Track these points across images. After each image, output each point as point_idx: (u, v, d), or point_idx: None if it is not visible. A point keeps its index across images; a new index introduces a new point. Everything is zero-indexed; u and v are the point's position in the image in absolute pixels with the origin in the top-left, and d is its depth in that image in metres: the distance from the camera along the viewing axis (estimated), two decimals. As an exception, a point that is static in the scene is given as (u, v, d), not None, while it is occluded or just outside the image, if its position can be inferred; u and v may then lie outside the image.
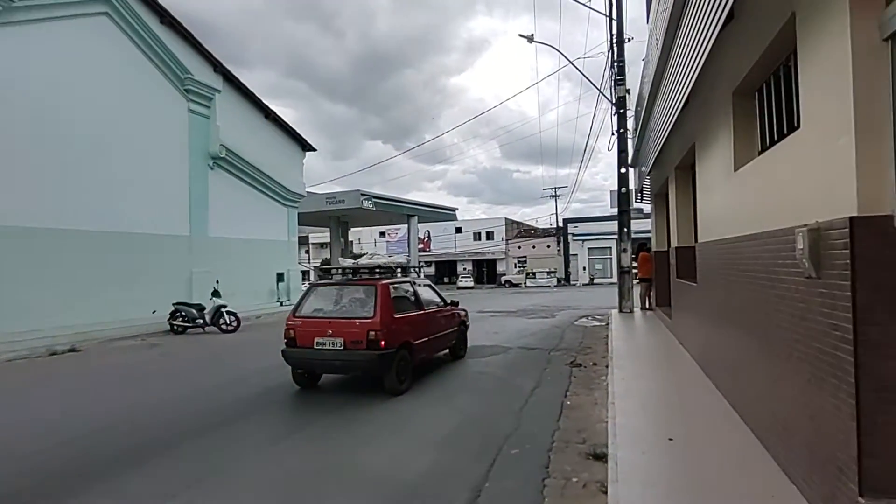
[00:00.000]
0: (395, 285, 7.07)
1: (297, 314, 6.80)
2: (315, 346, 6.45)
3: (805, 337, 2.99)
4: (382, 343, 6.27)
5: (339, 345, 6.35)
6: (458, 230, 54.50)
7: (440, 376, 7.48)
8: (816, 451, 2.85)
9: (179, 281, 15.04)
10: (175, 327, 13.15)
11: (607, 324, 12.03)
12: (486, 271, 53.44)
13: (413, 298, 7.44)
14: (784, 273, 3.30)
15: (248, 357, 9.65)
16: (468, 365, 8.19)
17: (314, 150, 21.14)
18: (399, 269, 7.86)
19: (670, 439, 4.08)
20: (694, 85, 5.23)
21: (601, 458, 4.10)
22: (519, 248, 51.80)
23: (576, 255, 45.74)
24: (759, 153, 4.21)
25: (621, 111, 13.08)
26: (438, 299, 8.23)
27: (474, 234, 53.78)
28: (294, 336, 6.64)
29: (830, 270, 2.64)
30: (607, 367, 7.34)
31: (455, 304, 8.69)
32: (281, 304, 19.09)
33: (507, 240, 51.92)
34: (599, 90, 13.65)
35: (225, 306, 13.22)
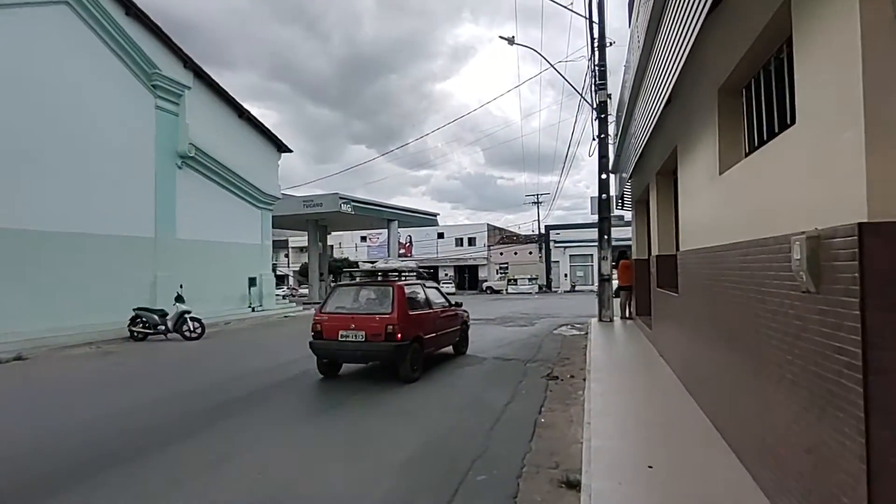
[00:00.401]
0: (409, 286, 7.97)
1: (323, 311, 7.79)
2: (339, 339, 7.36)
3: (800, 358, 2.64)
4: (399, 336, 7.18)
5: (360, 337, 7.28)
6: (441, 236, 54.13)
7: (409, 390, 7.05)
8: (814, 489, 2.50)
9: (143, 285, 14.35)
10: (135, 334, 12.47)
11: (586, 333, 11.72)
12: (467, 277, 53.11)
13: (423, 299, 8.32)
14: (776, 286, 2.96)
15: (205, 368, 9.08)
16: (440, 377, 7.77)
17: (290, 151, 20.58)
18: (411, 273, 8.88)
19: (650, 467, 3.71)
20: (676, 82, 4.92)
21: (575, 486, 3.72)
22: (501, 254, 51.61)
23: (557, 262, 45.68)
24: (747, 154, 3.89)
25: (602, 116, 12.85)
26: (444, 301, 9.09)
27: (456, 239, 53.47)
28: (321, 329, 7.56)
29: (833, 285, 2.29)
30: (585, 380, 6.99)
31: (458, 305, 9.59)
32: (253, 310, 18.44)
33: (489, 246, 51.71)
34: (580, 94, 13.44)
35: (189, 312, 12.58)
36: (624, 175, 12.34)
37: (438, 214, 34.86)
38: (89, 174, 13.07)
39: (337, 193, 25.52)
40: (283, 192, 22.62)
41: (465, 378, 7.70)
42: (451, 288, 46.30)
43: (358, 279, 8.87)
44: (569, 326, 13.82)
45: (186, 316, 12.55)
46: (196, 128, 16.15)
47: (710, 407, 4.63)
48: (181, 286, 13.25)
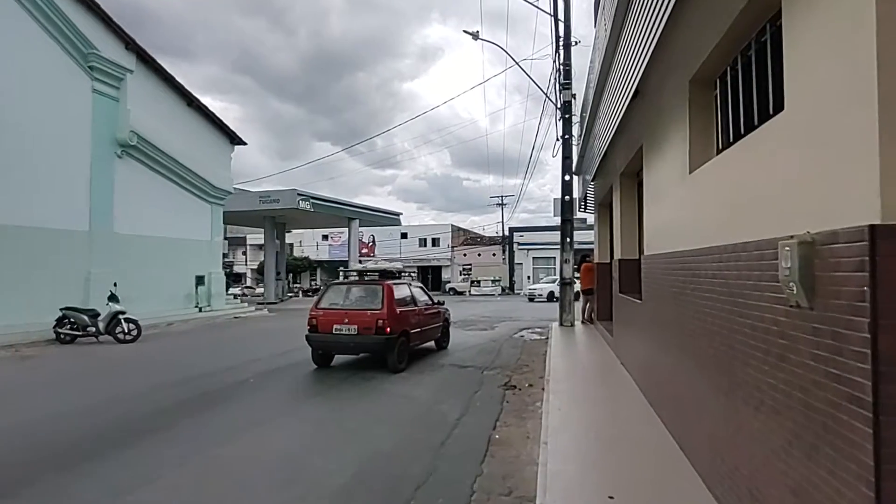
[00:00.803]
0: (397, 285, 8.68)
1: (318, 307, 8.47)
2: (333, 332, 8.09)
3: (785, 383, 2.27)
4: (388, 329, 7.89)
5: (353, 330, 7.98)
6: (404, 236, 53.47)
7: (353, 404, 6.50)
8: (801, 539, 2.12)
9: (75, 283, 13.22)
10: (62, 336, 11.41)
11: (547, 338, 11.42)
12: (430, 278, 52.56)
13: (409, 297, 9.06)
14: (756, 297, 2.59)
15: (130, 375, 8.25)
16: (391, 387, 7.24)
17: (244, 143, 19.59)
18: (398, 273, 9.74)
19: (610, 497, 3.30)
20: (644, 75, 4.58)
21: (528, 519, 3.28)
22: (465, 255, 51.38)
23: (521, 264, 45.78)
24: (720, 151, 3.55)
25: (567, 116, 12.61)
26: (428, 299, 9.85)
27: (420, 240, 52.92)
28: (316, 324, 8.24)
29: (832, 299, 1.91)
30: (543, 389, 6.61)
31: (441, 303, 10.38)
32: (200, 310, 17.40)
33: (452, 247, 51.40)
34: (545, 93, 13.18)
35: (123, 313, 11.61)
36: (587, 177, 12.13)
37: (401, 214, 34.29)
38: (13, 160, 11.90)
39: (295, 189, 24.59)
40: (238, 186, 21.62)
41: (418, 387, 7.21)
42: (413, 289, 45.67)
43: (347, 278, 9.92)
44: (530, 330, 13.52)
45: (120, 317, 11.58)
46: (139, 115, 15.05)
47: (676, 427, 4.29)
48: (115, 284, 12.21)
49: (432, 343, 10.16)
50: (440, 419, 5.67)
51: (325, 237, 55.42)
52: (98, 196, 13.96)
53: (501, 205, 48.75)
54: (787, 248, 2.13)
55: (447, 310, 10.63)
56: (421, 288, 9.90)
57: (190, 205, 17.48)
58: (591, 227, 15.69)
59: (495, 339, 11.92)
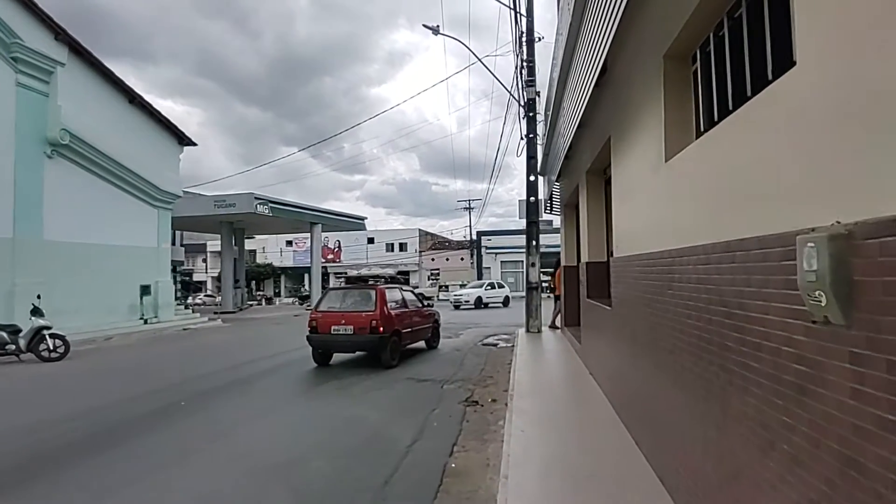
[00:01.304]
0: (389, 289, 9.55)
1: (317, 310, 9.37)
2: (332, 332, 8.92)
3: (810, 426, 1.71)
4: (381, 329, 8.68)
5: (349, 330, 8.80)
6: (371, 241, 52.54)
7: (292, 428, 5.76)
8: None
9: (-4, 295, 11.95)
10: (-25, 356, 10.19)
11: (513, 346, 10.89)
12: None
13: (401, 299, 9.88)
14: (759, 309, 2.04)
15: (34, 402, 7.26)
16: (337, 410, 6.52)
17: (194, 144, 18.45)
18: (389, 278, 10.82)
19: (581, 553, 2.70)
20: (611, 52, 4.05)
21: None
22: (432, 260, 50.77)
23: (489, 268, 45.39)
24: (701, 133, 3.03)
25: (531, 114, 12.15)
26: (419, 302, 10.82)
27: (387, 245, 52.09)
28: (316, 325, 9.06)
29: (882, 315, 1.36)
30: (507, 404, 6.02)
31: (430, 306, 11.21)
32: (145, 322, 16.20)
33: (420, 251, 50.72)
34: (509, 91, 12.70)
35: (48, 328, 10.48)
36: (552, 177, 11.69)
37: (366, 218, 33.38)
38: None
39: (252, 193, 23.48)
40: (193, 190, 20.43)
41: (369, 406, 6.50)
42: (380, 295, 44.65)
43: (345, 283, 10.82)
44: (495, 337, 12.97)
45: (45, 332, 10.44)
46: (73, 112, 13.84)
47: (656, 456, 3.73)
48: (38, 297, 11.04)
49: (423, 343, 11.02)
50: (389, 446, 4.99)
51: (290, 243, 53.94)
52: (23, 200, 12.70)
53: (468, 208, 48.36)
54: (812, 245, 1.57)
55: (437, 312, 11.56)
56: (412, 292, 10.87)
57: (133, 209, 16.27)
58: (557, 230, 15.30)
59: (459, 349, 11.30)
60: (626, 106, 4.42)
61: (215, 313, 26.68)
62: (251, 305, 33.34)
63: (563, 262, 11.43)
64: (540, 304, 12.30)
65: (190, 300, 34.96)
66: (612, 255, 5.66)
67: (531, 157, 12.20)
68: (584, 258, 7.69)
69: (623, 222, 4.88)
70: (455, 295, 29.66)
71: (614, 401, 5.41)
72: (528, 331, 12.10)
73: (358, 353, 9.72)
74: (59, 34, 13.46)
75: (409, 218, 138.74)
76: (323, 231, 34.02)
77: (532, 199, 12.25)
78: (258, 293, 52.60)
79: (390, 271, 12.63)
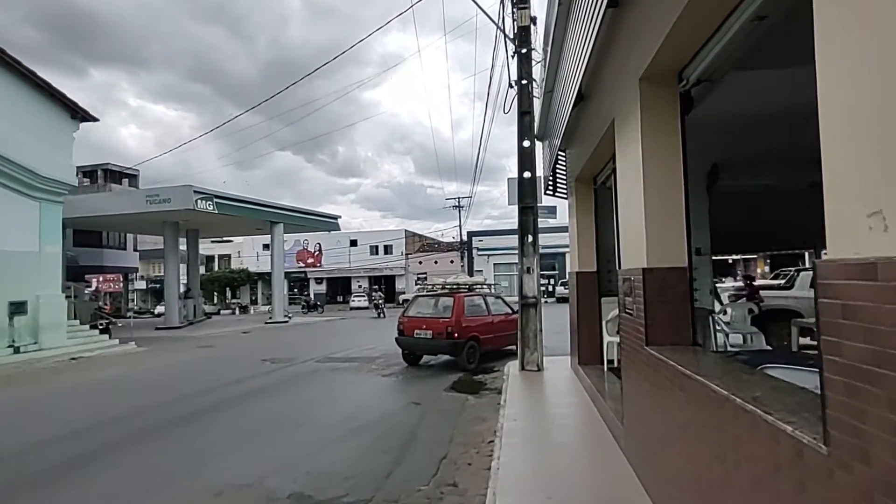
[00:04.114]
0: (469, 297, 10.62)
1: (405, 314, 10.65)
2: (415, 336, 10.07)
3: None
4: (455, 335, 9.53)
5: (429, 335, 9.87)
6: (354, 243, 48.65)
7: None
8: None
9: None
10: None
11: (501, 395, 7.02)
12: (384, 289, 47.84)
13: (483, 307, 10.78)
14: None
15: None
16: None
17: (94, 119, 14.44)
18: (475, 287, 11.95)
19: None
20: None
21: None
22: (420, 263, 46.85)
23: (481, 270, 41.50)
24: None
25: (524, 51, 8.30)
26: (507, 309, 11.22)
27: (371, 247, 48.13)
28: (403, 329, 10.29)
29: None
30: None
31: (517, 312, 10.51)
32: (16, 351, 12.21)
33: (406, 254, 46.83)
34: (496, 23, 8.81)
35: None
36: (554, 142, 7.83)
37: (339, 217, 29.43)
38: None
39: (191, 186, 19.55)
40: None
41: None
42: (363, 301, 40.64)
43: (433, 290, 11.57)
44: (474, 376, 9.11)
45: None
46: None
47: None
48: None
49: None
50: None
51: (266, 247, 49.84)
52: None
53: (458, 206, 44.53)
54: None
55: None
56: (501, 299, 11.64)
57: (2, 202, 12.30)
58: (562, 231, 11.39)
59: (418, 399, 7.40)
60: None
61: (156, 328, 22.67)
62: (209, 317, 29.27)
63: (576, 267, 7.54)
64: (540, 328, 8.42)
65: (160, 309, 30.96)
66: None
67: (524, 113, 8.34)
68: (639, 262, 3.76)
69: None
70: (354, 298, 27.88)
71: None
72: (522, 368, 8.22)
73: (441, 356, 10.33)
74: None
75: (403, 221, 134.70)
76: (290, 232, 30.11)
77: (527, 174, 8.39)
78: (233, 301, 48.54)
79: (480, 279, 14.61)
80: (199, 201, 19.45)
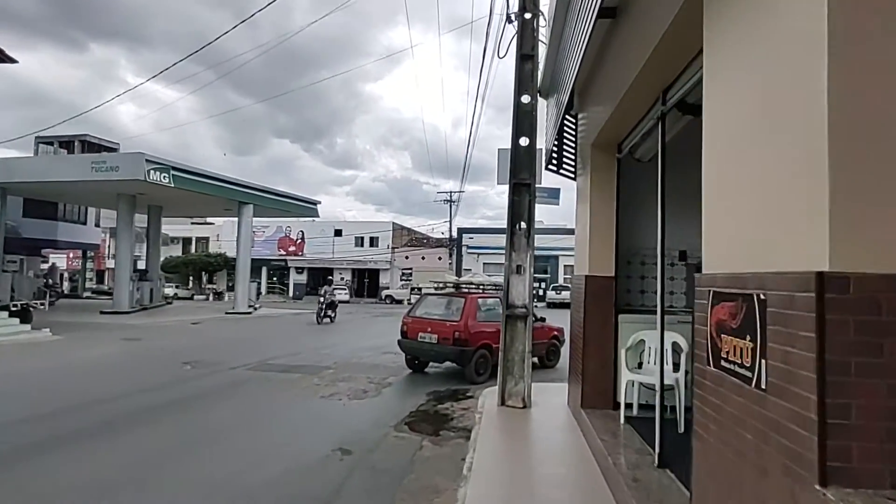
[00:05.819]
0: (483, 299, 9.12)
1: (410, 314, 9.37)
2: (418, 339, 8.80)
3: None
4: (464, 341, 8.28)
5: (434, 339, 8.58)
6: (338, 233, 46.29)
7: None
8: None
9: None
10: None
11: (466, 457, 4.80)
12: (367, 283, 45.60)
13: (498, 311, 8.29)
14: None
15: None
16: None
17: (13, 61, 12.03)
18: (491, 287, 10.15)
19: None
20: None
21: None
22: (406, 258, 44.64)
23: (469, 269, 39.33)
24: None
25: (529, -29, 6.10)
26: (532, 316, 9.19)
27: (356, 238, 45.76)
28: (406, 330, 9.06)
29: None
30: None
31: (542, 320, 9.82)
32: None
33: (393, 248, 44.54)
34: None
35: None
36: (562, 97, 5.60)
37: (319, 203, 27.05)
38: None
39: (142, 153, 17.17)
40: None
41: None
42: (345, 295, 38.28)
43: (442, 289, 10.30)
44: (437, 403, 6.90)
45: None
46: None
47: None
48: None
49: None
50: None
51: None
52: None
53: (450, 201, 42.31)
54: None
55: (558, 328, 10.06)
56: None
57: None
58: (569, 232, 9.20)
59: (346, 445, 5.16)
60: None
61: (101, 312, 20.24)
62: (169, 303, 26.82)
63: (586, 270, 5.33)
64: (530, 349, 6.20)
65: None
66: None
67: (526, 57, 6.13)
68: (716, 267, 1.55)
69: None
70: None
71: None
72: (502, 403, 6.00)
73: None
74: None
75: (397, 216, 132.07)
76: (264, 216, 27.74)
77: (524, 139, 6.18)
78: (208, 287, 45.97)
79: (496, 279, 10.40)
80: (151, 171, 17.08)
